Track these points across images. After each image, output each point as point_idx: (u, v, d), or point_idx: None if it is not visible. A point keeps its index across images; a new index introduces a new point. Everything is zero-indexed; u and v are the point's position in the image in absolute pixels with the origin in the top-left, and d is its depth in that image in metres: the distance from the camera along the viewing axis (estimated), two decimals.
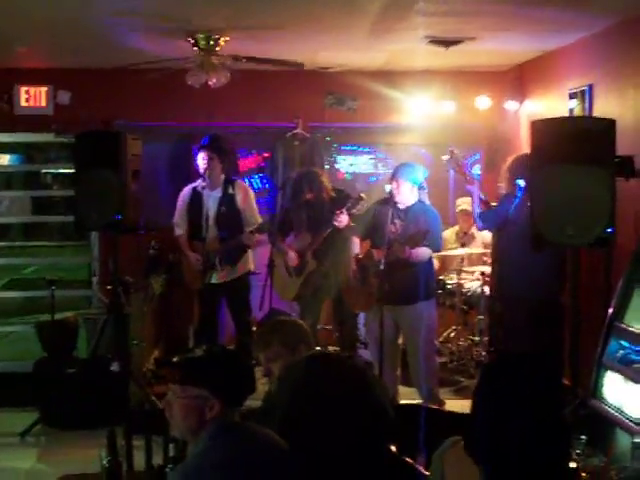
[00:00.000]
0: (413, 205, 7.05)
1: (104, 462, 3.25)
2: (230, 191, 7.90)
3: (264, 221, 7.69)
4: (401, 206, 7.03)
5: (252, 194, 8.14)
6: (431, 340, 7.12)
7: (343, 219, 7.24)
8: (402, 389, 7.39)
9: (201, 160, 7.83)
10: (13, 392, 8.40)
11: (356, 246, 7.25)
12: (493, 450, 2.46)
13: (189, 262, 7.98)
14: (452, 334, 8.81)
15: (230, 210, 7.84)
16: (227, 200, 7.86)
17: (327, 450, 2.75)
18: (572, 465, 3.32)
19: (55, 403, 7.51)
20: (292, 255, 7.62)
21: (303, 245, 7.66)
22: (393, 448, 2.90)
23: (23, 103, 9.29)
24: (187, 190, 8.06)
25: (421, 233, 6.65)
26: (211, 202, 7.86)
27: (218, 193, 7.88)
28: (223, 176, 7.93)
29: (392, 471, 2.85)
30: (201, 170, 7.84)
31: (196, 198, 7.94)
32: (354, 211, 7.29)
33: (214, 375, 3.02)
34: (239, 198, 7.91)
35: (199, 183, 7.97)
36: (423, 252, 6.87)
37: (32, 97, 9.29)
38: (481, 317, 8.51)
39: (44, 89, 9.29)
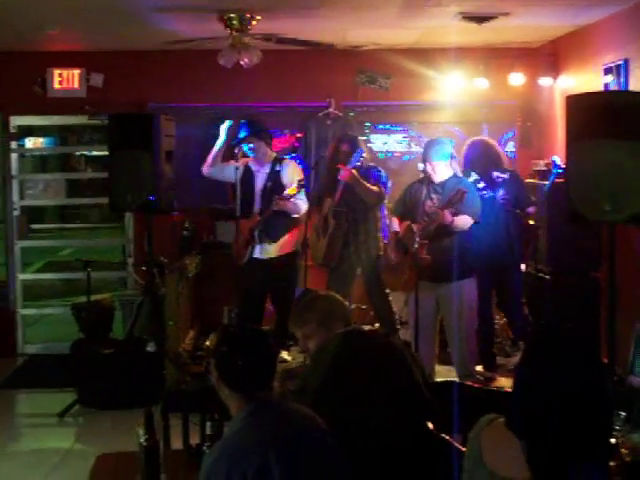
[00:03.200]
0: (448, 179, 7.01)
1: (141, 441, 3.26)
2: (277, 168, 7.88)
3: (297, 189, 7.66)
4: (436, 181, 7.01)
5: (299, 170, 8.05)
6: (471, 319, 7.07)
7: (345, 171, 7.52)
8: (439, 367, 7.38)
9: (247, 148, 7.80)
10: (51, 373, 8.51)
11: (395, 225, 7.21)
12: (535, 425, 2.45)
13: (237, 237, 7.97)
14: None
15: (275, 186, 7.82)
16: (273, 176, 7.84)
17: (361, 428, 2.75)
18: (612, 441, 3.30)
19: (92, 384, 7.57)
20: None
21: (326, 207, 7.89)
22: (430, 425, 2.90)
23: (56, 86, 9.33)
24: (241, 166, 8.01)
25: (459, 193, 6.57)
26: (259, 179, 7.85)
27: (266, 170, 7.86)
28: (274, 154, 7.91)
29: (429, 448, 2.84)
30: (250, 156, 7.82)
31: (247, 174, 7.92)
32: (357, 163, 7.55)
33: (219, 357, 3.07)
34: (284, 174, 7.89)
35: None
36: (464, 219, 6.81)
37: (65, 80, 9.32)
38: None
39: (77, 72, 9.32)
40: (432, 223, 6.75)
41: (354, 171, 7.55)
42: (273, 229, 7.76)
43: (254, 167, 7.86)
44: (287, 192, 7.49)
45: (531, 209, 7.74)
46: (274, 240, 7.77)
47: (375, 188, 7.59)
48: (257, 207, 7.81)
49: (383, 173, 7.90)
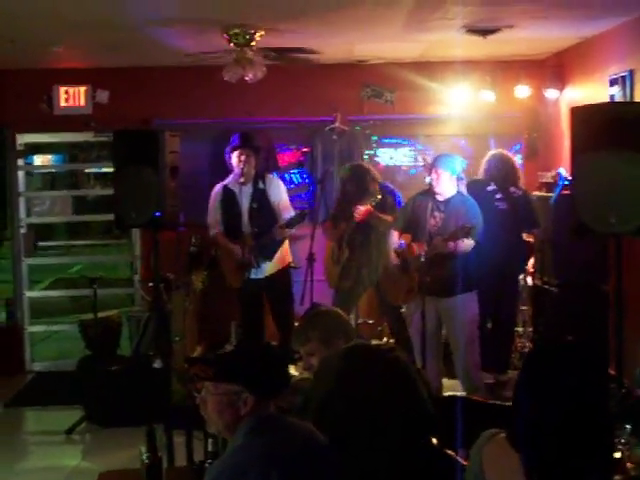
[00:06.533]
0: (453, 197, 6.99)
1: (143, 458, 3.25)
2: (261, 186, 7.86)
3: (295, 214, 7.62)
4: (440, 198, 6.99)
5: (284, 187, 8.09)
6: (473, 332, 7.05)
7: (359, 210, 7.61)
8: (446, 381, 7.35)
9: (236, 159, 7.76)
10: (59, 391, 8.49)
11: (394, 239, 7.21)
12: (535, 440, 2.43)
13: (228, 261, 7.95)
14: None
15: (262, 205, 7.80)
16: (258, 195, 7.82)
17: (366, 444, 2.73)
18: (617, 455, 3.27)
19: (100, 401, 7.55)
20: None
21: (340, 234, 7.88)
22: (434, 441, 2.87)
23: (62, 103, 9.34)
24: (218, 188, 7.99)
25: (465, 229, 6.58)
26: (244, 198, 7.82)
27: (249, 189, 7.83)
28: (253, 171, 7.88)
29: (433, 463, 2.82)
30: (236, 168, 7.79)
31: (229, 196, 7.90)
32: (372, 203, 7.62)
33: (245, 370, 3.00)
34: (271, 192, 7.87)
35: (230, 180, 7.93)
36: (466, 245, 6.80)
37: (71, 97, 9.33)
38: (524, 308, 8.43)
39: (83, 89, 9.33)
40: (434, 250, 6.75)
41: (370, 208, 7.63)
42: (268, 249, 7.78)
43: (235, 188, 7.84)
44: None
45: (535, 231, 7.85)
46: (270, 259, 7.80)
47: (389, 218, 7.59)
48: (246, 229, 7.79)
49: (399, 195, 7.94)
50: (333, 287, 7.99)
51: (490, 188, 7.72)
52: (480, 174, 7.97)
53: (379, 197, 7.70)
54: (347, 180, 7.91)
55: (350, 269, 7.83)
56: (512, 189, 7.74)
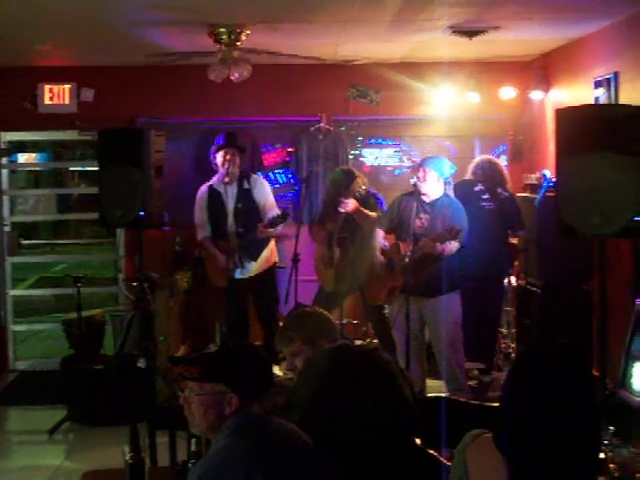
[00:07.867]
0: (439, 198, 7.01)
1: (127, 458, 3.24)
2: (246, 186, 7.87)
3: (279, 214, 7.59)
4: (426, 199, 6.99)
5: (269, 187, 8.10)
6: (456, 332, 7.06)
7: (347, 204, 7.52)
8: (430, 382, 7.35)
9: (221, 159, 7.78)
10: (42, 390, 8.45)
11: (380, 238, 7.21)
12: (521, 441, 2.43)
13: (213, 261, 7.94)
14: None
15: (247, 205, 7.80)
16: (243, 195, 7.83)
17: (349, 444, 2.73)
18: (600, 456, 3.28)
19: (83, 400, 7.52)
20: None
21: (327, 234, 7.85)
22: (418, 441, 2.87)
23: (47, 101, 9.28)
24: (204, 189, 8.00)
25: (453, 231, 6.57)
26: (229, 198, 7.82)
27: (234, 189, 7.84)
28: (238, 171, 7.89)
29: (416, 464, 2.82)
30: (221, 168, 7.80)
31: (214, 196, 7.90)
32: (357, 195, 7.62)
33: (230, 370, 2.99)
34: (256, 192, 7.88)
35: (215, 180, 7.93)
36: (453, 247, 6.81)
37: (56, 95, 9.27)
38: (508, 308, 8.45)
39: (68, 87, 9.27)
40: (420, 250, 6.73)
41: (356, 202, 7.58)
42: (253, 248, 7.78)
43: (220, 188, 7.85)
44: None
45: (521, 232, 7.88)
46: (255, 259, 7.81)
47: (373, 214, 7.58)
48: (231, 229, 7.78)
49: (381, 198, 7.95)
50: (329, 291, 7.92)
51: (477, 188, 7.76)
52: (467, 176, 7.99)
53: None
54: (338, 182, 7.86)
55: (345, 270, 7.76)
56: (499, 190, 7.78)
